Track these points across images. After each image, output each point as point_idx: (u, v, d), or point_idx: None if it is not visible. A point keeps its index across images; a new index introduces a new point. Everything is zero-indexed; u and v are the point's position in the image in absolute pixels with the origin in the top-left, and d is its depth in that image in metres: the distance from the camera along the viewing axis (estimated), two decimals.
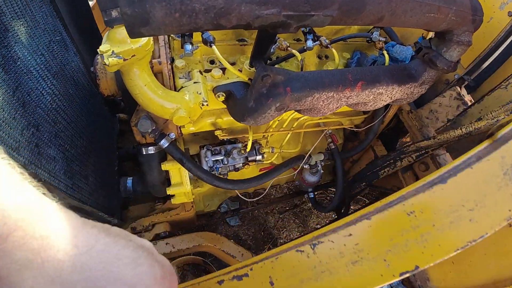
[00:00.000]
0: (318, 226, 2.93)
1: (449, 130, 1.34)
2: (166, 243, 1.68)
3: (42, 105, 1.13)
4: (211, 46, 1.05)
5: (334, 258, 0.54)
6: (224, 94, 1.15)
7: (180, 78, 1.18)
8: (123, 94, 1.31)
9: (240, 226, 2.96)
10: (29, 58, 1.09)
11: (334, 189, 2.96)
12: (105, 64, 0.99)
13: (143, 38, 1.00)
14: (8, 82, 0.95)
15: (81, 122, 1.41)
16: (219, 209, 2.35)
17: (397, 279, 0.53)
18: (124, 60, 1.01)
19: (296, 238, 2.75)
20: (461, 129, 1.26)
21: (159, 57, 1.21)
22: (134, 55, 1.02)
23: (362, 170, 1.76)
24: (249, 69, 1.15)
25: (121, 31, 0.97)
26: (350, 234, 0.56)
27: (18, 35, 1.06)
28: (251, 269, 0.59)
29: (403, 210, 0.57)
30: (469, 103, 1.45)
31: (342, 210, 2.09)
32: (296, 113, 1.44)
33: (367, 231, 0.55)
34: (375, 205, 0.58)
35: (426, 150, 1.52)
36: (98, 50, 1.00)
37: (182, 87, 1.13)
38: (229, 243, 1.81)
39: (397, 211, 0.57)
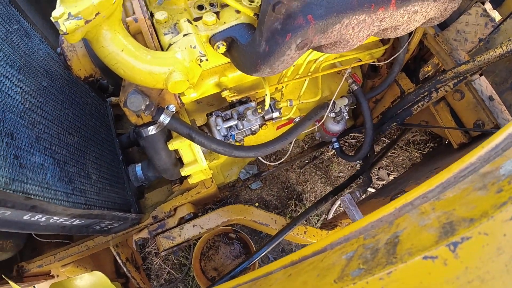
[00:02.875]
0: (341, 174, 2.74)
1: (485, 50, 1.17)
2: (193, 226, 1.49)
3: (11, 108, 0.91)
4: None
5: (489, 258, 0.32)
6: (225, 43, 0.86)
7: (165, 34, 0.89)
8: (103, 72, 1.04)
9: (263, 188, 2.80)
10: None
11: (354, 134, 2.72)
12: (63, 33, 0.71)
13: None
14: None
15: (66, 116, 1.17)
16: (239, 176, 2.16)
17: None
18: (87, 22, 0.72)
19: (324, 193, 2.55)
20: (501, 47, 1.10)
21: (134, 13, 0.91)
22: (98, 13, 0.73)
23: (392, 108, 1.49)
24: (250, 4, 0.84)
25: None
26: None
27: None
28: None
29: None
30: (497, 19, 1.27)
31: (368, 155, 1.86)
32: (313, 53, 1.14)
33: None
34: None
35: (465, 75, 1.29)
36: (51, 18, 0.72)
37: (170, 45, 0.84)
38: (259, 211, 1.62)
39: None
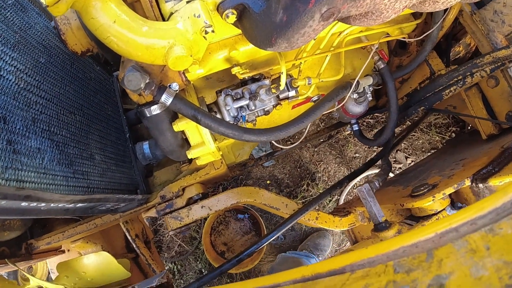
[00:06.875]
0: (357, 155, 2.60)
1: None
2: (202, 207, 1.42)
3: (4, 89, 0.82)
4: None
5: None
6: (235, 12, 0.72)
7: (166, 1, 0.75)
8: (100, 46, 0.92)
9: (275, 166, 2.71)
10: None
11: (376, 115, 2.54)
12: (44, 5, 0.59)
13: None
14: None
15: (67, 94, 1.07)
16: (251, 154, 2.06)
17: None
18: None
19: (338, 174, 2.42)
20: None
21: None
22: None
23: (420, 91, 1.32)
24: None
25: None
26: None
27: None
28: None
29: None
30: None
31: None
32: (339, 24, 0.98)
33: None
34: None
35: (503, 62, 1.12)
36: None
37: (171, 14, 0.71)
38: (269, 194, 1.53)
39: None
